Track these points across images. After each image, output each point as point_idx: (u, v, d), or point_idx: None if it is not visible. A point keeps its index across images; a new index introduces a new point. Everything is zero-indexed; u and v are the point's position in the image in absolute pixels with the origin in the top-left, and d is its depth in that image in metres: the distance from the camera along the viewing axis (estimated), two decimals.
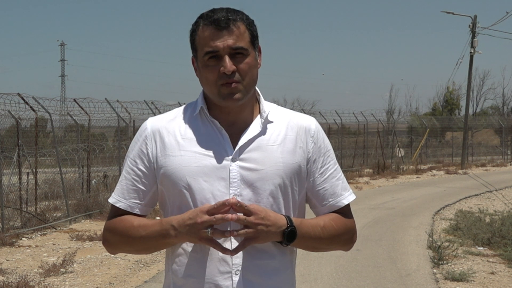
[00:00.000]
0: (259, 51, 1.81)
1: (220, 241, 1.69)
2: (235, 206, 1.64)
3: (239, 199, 1.71)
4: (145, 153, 1.80)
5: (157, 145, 1.79)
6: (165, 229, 1.70)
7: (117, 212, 1.83)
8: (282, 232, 1.69)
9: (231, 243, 1.71)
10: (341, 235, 1.83)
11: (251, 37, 1.76)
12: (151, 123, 1.83)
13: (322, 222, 1.79)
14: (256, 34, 1.79)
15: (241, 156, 1.75)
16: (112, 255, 8.31)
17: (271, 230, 1.67)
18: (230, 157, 1.74)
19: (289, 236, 1.70)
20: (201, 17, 1.76)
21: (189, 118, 1.81)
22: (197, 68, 1.80)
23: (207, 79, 1.74)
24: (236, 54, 1.72)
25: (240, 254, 1.72)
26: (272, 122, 1.81)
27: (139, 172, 1.80)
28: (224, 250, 1.66)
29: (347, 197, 1.87)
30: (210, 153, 1.75)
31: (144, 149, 1.80)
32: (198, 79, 1.81)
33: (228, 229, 1.68)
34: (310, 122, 1.86)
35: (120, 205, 1.81)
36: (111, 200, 1.84)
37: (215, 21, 1.71)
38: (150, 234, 1.73)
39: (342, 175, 1.90)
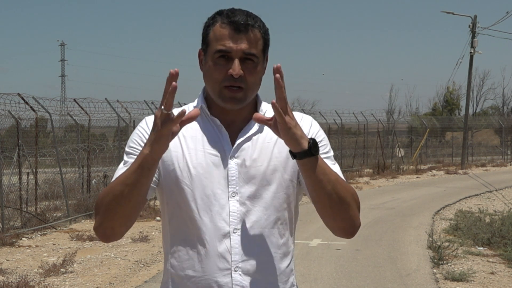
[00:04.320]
0: (266, 60, 1.82)
1: (218, 240, 1.70)
2: (278, 70, 1.54)
3: (238, 196, 1.73)
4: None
5: None
6: (140, 155, 1.60)
7: None
8: (307, 140, 1.61)
9: (231, 241, 1.71)
10: (349, 191, 1.71)
11: (263, 46, 1.77)
12: (150, 120, 1.79)
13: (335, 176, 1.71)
14: (268, 43, 1.79)
15: (239, 154, 1.76)
16: (112, 255, 8.32)
17: (298, 128, 1.60)
18: (229, 154, 1.76)
19: (315, 145, 1.61)
20: (220, 13, 1.75)
21: None
22: (203, 61, 1.79)
23: (212, 77, 1.73)
24: (247, 59, 1.72)
25: (240, 251, 1.72)
26: None
27: None
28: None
29: None
30: (210, 150, 1.76)
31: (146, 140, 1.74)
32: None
33: (229, 223, 1.69)
34: (305, 117, 1.86)
35: None
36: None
37: (234, 22, 1.71)
38: (130, 170, 1.63)
39: (336, 165, 1.82)
